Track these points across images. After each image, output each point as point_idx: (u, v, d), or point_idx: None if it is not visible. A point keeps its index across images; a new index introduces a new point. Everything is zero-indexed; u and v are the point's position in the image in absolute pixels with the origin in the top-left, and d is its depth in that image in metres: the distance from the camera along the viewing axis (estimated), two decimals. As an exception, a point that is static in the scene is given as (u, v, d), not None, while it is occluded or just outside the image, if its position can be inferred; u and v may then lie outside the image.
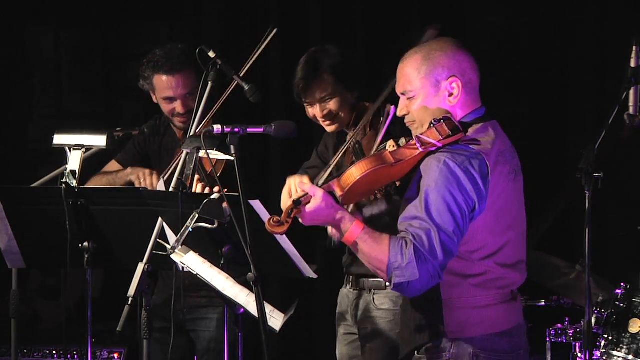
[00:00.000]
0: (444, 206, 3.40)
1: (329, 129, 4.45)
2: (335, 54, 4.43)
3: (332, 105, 4.38)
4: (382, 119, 4.27)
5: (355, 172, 3.49)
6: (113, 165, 5.00)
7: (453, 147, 3.48)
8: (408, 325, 3.65)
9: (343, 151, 4.27)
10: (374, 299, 4.44)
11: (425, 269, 3.37)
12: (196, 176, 4.25)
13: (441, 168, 3.44)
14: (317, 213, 3.47)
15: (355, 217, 3.49)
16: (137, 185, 4.66)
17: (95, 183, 4.78)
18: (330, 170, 4.20)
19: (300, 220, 3.51)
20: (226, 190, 3.79)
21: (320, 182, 3.93)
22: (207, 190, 4.34)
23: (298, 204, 3.47)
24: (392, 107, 4.08)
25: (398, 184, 3.78)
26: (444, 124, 3.50)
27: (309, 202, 3.47)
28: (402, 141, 3.61)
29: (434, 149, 3.49)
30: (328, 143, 4.61)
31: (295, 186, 3.76)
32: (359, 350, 4.52)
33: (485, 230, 3.51)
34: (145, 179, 4.67)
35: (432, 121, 3.52)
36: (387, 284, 4.32)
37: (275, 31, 4.56)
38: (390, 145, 3.63)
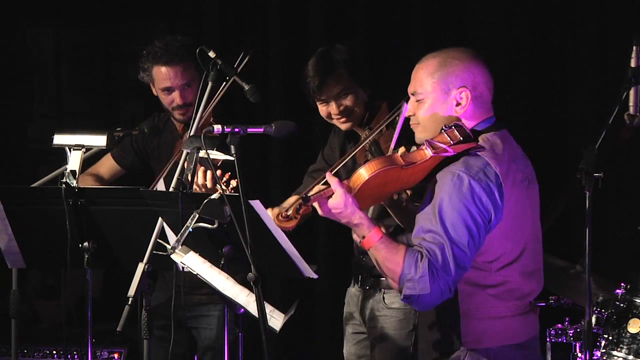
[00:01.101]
0: (459, 220, 3.40)
1: (343, 126, 4.43)
2: (346, 51, 4.43)
3: (347, 101, 4.38)
4: (396, 117, 4.23)
5: (364, 173, 3.48)
6: (107, 160, 4.99)
7: (466, 157, 3.48)
8: (426, 338, 3.66)
9: (357, 150, 4.24)
10: (384, 298, 4.44)
11: (437, 284, 3.38)
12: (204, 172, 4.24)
13: (455, 182, 3.43)
14: (335, 210, 3.48)
15: (375, 224, 3.50)
16: None
17: (83, 182, 4.74)
18: (339, 168, 4.19)
19: (318, 211, 3.51)
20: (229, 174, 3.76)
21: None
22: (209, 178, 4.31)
23: (307, 200, 3.47)
24: (406, 104, 4.07)
25: (409, 192, 3.76)
26: (455, 130, 3.49)
27: (331, 195, 3.48)
28: (414, 149, 3.60)
29: (444, 154, 3.48)
30: (333, 144, 4.60)
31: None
32: (368, 349, 4.52)
33: (502, 239, 3.50)
34: None
35: (444, 127, 3.51)
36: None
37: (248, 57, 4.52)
38: (401, 150, 3.62)
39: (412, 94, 3.62)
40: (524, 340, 3.58)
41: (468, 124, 3.57)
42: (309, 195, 3.50)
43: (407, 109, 3.65)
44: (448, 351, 3.56)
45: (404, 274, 3.40)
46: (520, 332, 3.57)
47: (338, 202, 3.46)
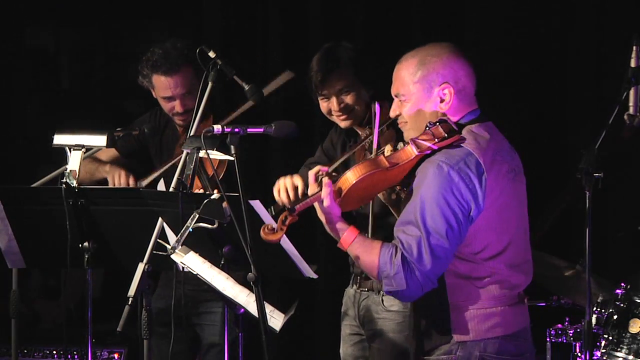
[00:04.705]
0: (438, 210, 3.43)
1: (343, 124, 4.43)
2: (352, 49, 4.42)
3: (349, 98, 4.37)
4: (372, 118, 4.25)
5: (350, 177, 3.52)
6: (109, 149, 4.98)
7: (448, 148, 3.50)
8: (417, 330, 3.66)
9: (357, 148, 4.25)
10: (382, 300, 4.43)
11: (413, 279, 3.42)
12: (196, 182, 4.25)
13: (434, 172, 3.46)
14: (319, 214, 3.56)
15: (349, 224, 3.54)
16: (110, 184, 4.69)
17: (83, 165, 4.75)
18: (336, 166, 4.21)
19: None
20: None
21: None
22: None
23: (292, 211, 3.51)
24: (377, 103, 4.08)
25: (398, 188, 3.78)
26: (440, 127, 3.52)
27: (320, 198, 3.54)
28: (400, 145, 3.61)
29: (429, 152, 3.50)
30: (334, 140, 4.60)
31: (285, 187, 4.07)
32: (365, 350, 4.50)
33: (488, 229, 3.51)
34: (121, 179, 4.73)
35: (428, 124, 3.54)
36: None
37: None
38: (387, 149, 3.64)
39: (396, 96, 3.65)
40: (515, 331, 3.58)
41: (453, 117, 3.58)
42: (294, 206, 3.52)
43: (392, 109, 3.66)
44: (438, 343, 3.57)
45: (380, 271, 3.46)
46: (511, 323, 3.57)
47: (321, 205, 3.53)
